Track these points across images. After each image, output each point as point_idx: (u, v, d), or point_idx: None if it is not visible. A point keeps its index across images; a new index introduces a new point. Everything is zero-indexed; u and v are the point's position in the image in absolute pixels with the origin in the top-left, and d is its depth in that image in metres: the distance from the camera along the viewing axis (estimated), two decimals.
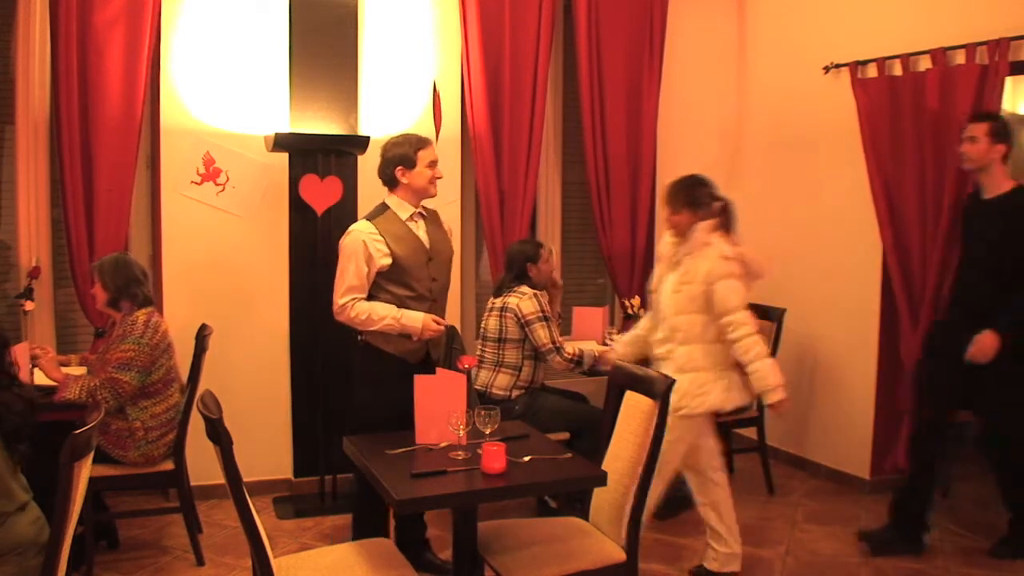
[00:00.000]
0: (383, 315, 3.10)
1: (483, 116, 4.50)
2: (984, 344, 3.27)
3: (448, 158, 4.47)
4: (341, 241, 3.19)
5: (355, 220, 4.29)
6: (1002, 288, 3.32)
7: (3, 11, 3.90)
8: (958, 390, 3.47)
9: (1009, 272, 3.32)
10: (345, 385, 4.28)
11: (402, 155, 3.15)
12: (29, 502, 2.19)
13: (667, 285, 3.23)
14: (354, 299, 3.12)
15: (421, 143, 3.18)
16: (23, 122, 3.88)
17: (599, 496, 2.66)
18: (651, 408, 2.51)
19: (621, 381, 2.75)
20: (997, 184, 3.39)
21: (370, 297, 3.16)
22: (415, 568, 2.44)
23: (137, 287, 3.30)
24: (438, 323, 3.14)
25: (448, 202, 4.51)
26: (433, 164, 3.18)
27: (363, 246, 3.10)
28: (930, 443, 3.57)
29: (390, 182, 3.21)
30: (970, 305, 3.47)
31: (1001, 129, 3.35)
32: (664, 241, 3.37)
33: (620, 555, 2.50)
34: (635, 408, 2.60)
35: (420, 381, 2.63)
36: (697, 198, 3.22)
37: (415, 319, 3.10)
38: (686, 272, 3.18)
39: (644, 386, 2.58)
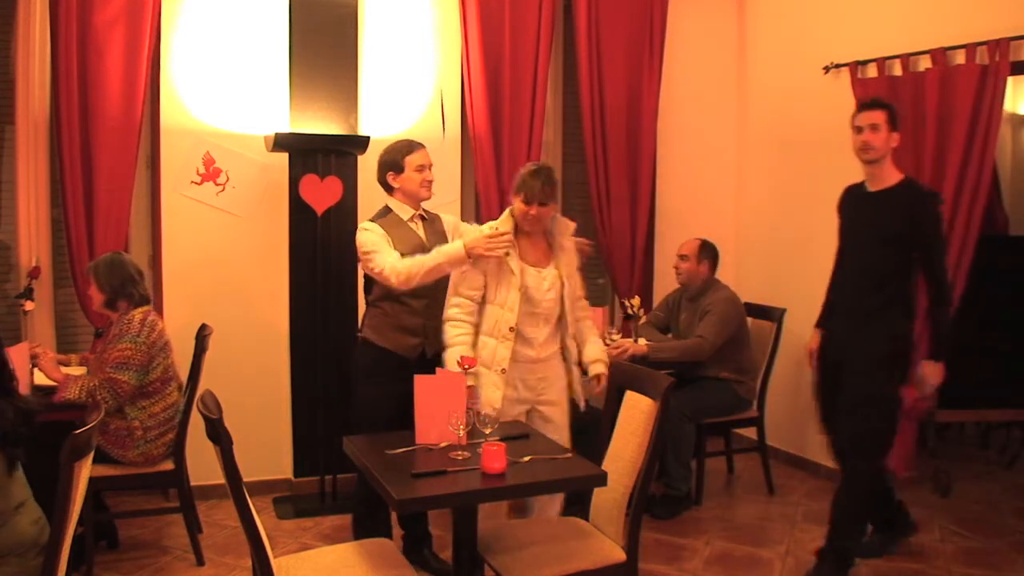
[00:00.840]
0: (423, 259, 3.04)
1: (483, 116, 4.50)
2: (934, 375, 3.20)
3: (448, 158, 4.47)
4: (357, 239, 3.18)
5: (355, 220, 4.31)
6: (883, 285, 3.17)
7: (3, 11, 3.89)
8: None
9: (900, 268, 3.17)
10: (345, 385, 4.30)
11: (391, 161, 3.24)
12: (28, 500, 2.18)
13: (543, 280, 3.10)
14: (392, 265, 3.06)
15: (410, 148, 3.23)
16: (23, 122, 3.87)
17: (599, 496, 2.66)
18: (651, 408, 2.51)
19: (621, 381, 2.75)
20: (887, 175, 3.22)
21: (368, 292, 3.22)
22: (417, 566, 2.45)
23: (133, 286, 3.30)
24: (491, 237, 3.00)
25: (448, 202, 4.51)
26: (422, 168, 3.22)
27: (378, 231, 3.15)
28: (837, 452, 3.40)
29: (386, 187, 3.28)
30: (853, 309, 3.26)
31: (895, 116, 3.20)
32: (501, 230, 3.07)
33: (620, 555, 2.50)
34: (635, 408, 2.60)
35: (420, 381, 2.62)
36: (556, 186, 3.15)
37: (456, 247, 3.03)
38: (567, 264, 3.17)
39: (644, 386, 2.58)
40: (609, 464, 2.60)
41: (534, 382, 3.12)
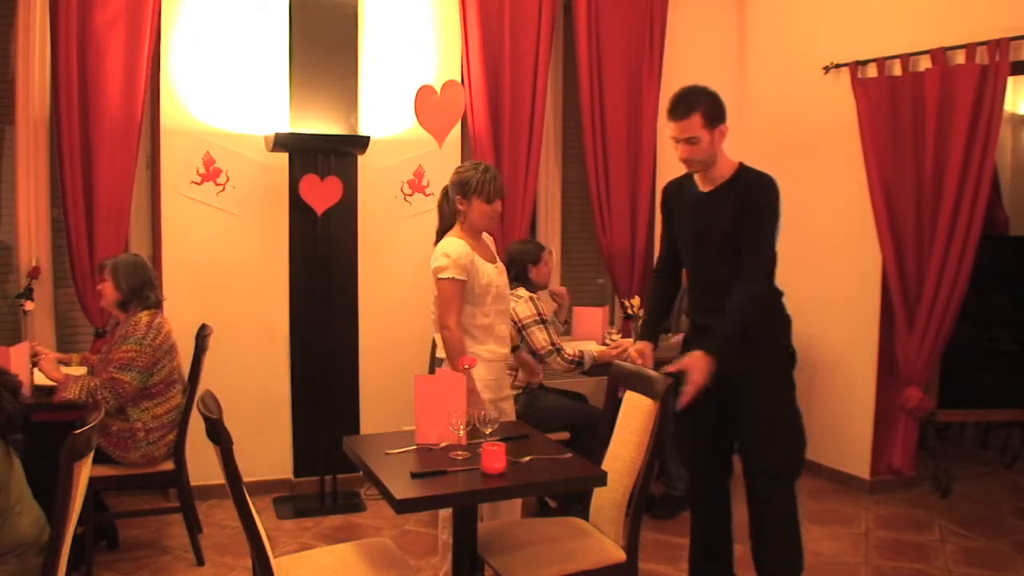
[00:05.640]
0: None
1: (483, 116, 4.50)
2: (699, 371, 2.59)
3: (448, 158, 4.47)
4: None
5: (355, 220, 4.33)
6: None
7: (3, 11, 3.89)
8: (712, 426, 2.88)
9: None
10: (345, 385, 4.30)
11: None
12: (27, 499, 2.19)
13: (502, 275, 3.07)
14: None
15: None
16: (23, 122, 3.87)
17: (599, 496, 2.66)
18: (651, 408, 2.51)
19: (621, 381, 2.75)
20: (720, 172, 2.74)
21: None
22: None
23: (150, 290, 3.31)
24: None
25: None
26: None
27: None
28: (702, 491, 3.03)
29: None
30: (708, 324, 2.76)
31: (715, 108, 2.68)
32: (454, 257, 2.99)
33: (620, 555, 2.50)
34: (635, 408, 2.60)
35: (420, 381, 2.63)
36: None
37: None
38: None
39: (645, 386, 2.59)
40: (609, 464, 2.60)
41: (503, 380, 3.13)
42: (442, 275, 2.91)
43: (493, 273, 3.01)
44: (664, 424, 2.52)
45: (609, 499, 2.58)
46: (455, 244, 2.95)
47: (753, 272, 2.68)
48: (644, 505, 2.55)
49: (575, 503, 2.97)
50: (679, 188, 2.92)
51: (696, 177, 2.81)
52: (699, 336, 2.79)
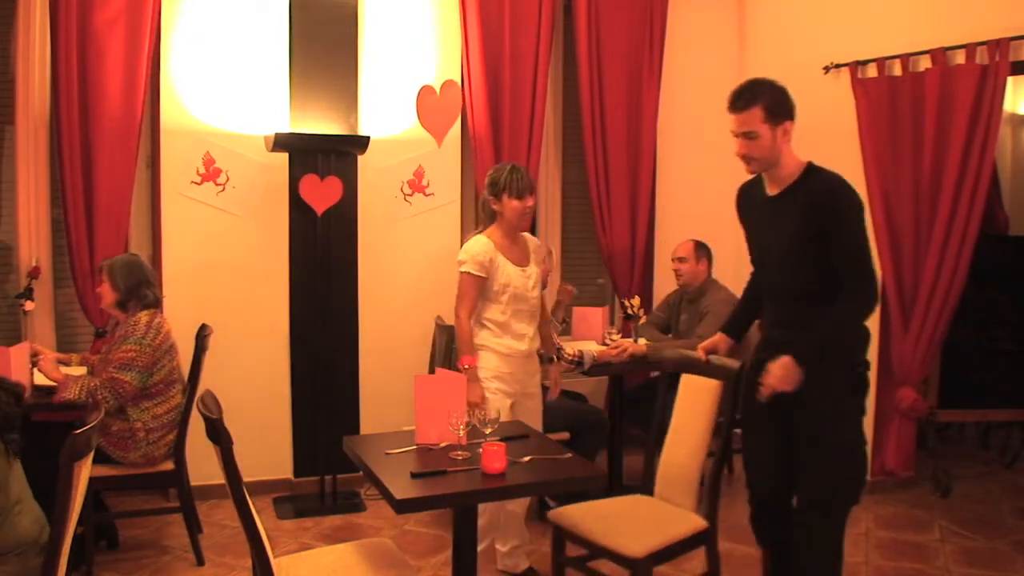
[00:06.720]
0: None
1: (483, 116, 4.50)
2: (783, 380, 2.46)
3: (448, 158, 4.47)
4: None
5: (355, 220, 4.33)
6: (817, 301, 2.49)
7: (3, 11, 3.89)
8: (778, 453, 2.68)
9: (819, 277, 2.49)
10: (345, 385, 4.30)
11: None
12: (27, 499, 2.19)
13: (528, 279, 3.20)
14: None
15: None
16: (23, 122, 3.87)
17: (669, 472, 2.88)
18: (716, 387, 2.77)
19: (681, 368, 2.95)
20: (786, 173, 2.54)
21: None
22: None
23: (148, 288, 3.31)
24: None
25: (448, 202, 4.51)
26: None
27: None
28: (764, 516, 2.82)
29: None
30: (784, 335, 2.58)
31: (776, 104, 2.51)
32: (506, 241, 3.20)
33: (703, 523, 2.74)
34: (697, 388, 2.84)
35: (420, 381, 2.63)
36: None
37: None
38: (537, 261, 3.29)
39: (706, 369, 2.83)
40: (675, 446, 2.87)
41: (522, 376, 3.20)
42: (461, 268, 3.16)
43: (514, 275, 3.16)
44: (736, 400, 2.71)
45: (680, 475, 2.84)
46: (478, 242, 3.17)
47: (853, 281, 2.44)
48: (720, 474, 2.79)
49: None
50: (749, 190, 2.73)
51: (765, 178, 2.62)
52: (768, 349, 2.61)
